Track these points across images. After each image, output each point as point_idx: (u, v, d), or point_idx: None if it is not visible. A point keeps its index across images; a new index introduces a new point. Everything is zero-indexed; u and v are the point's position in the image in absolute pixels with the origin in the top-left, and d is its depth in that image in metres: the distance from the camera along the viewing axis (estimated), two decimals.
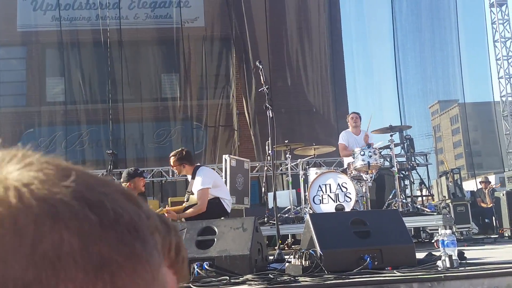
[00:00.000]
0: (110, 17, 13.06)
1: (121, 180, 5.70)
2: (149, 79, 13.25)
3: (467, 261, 4.32)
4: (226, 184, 7.91)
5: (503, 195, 8.47)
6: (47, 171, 0.38)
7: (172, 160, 5.88)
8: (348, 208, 6.79)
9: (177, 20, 13.28)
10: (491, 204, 10.35)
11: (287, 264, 4.12)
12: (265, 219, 7.58)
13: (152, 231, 0.40)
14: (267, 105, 5.11)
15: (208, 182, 5.53)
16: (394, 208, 7.03)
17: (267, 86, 5.24)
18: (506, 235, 8.17)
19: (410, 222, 6.79)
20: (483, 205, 11.46)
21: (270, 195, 6.28)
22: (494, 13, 14.50)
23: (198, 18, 13.59)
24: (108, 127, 12.66)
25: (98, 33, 12.99)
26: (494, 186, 12.50)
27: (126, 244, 0.37)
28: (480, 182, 12.67)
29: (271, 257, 4.78)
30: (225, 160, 7.99)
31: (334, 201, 6.93)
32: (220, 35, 13.39)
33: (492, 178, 15.30)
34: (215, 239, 4.05)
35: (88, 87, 13.02)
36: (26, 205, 0.36)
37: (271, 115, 5.10)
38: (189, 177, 5.83)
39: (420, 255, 4.70)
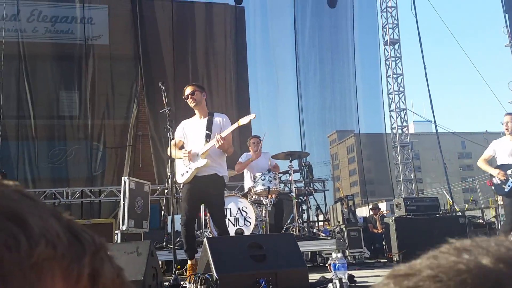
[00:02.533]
0: (6, 29, 12.32)
1: None
2: (47, 95, 12.58)
3: (357, 284, 4.51)
4: (125, 207, 7.67)
5: (392, 221, 8.96)
6: None
7: (194, 86, 5.48)
8: (247, 232, 6.85)
9: (80, 37, 12.82)
10: (382, 230, 10.92)
11: None
12: (164, 243, 7.42)
13: (39, 261, 0.32)
14: (168, 127, 5.07)
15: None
16: (291, 232, 7.20)
17: (169, 108, 5.20)
18: (395, 259, 8.61)
19: (306, 246, 6.99)
20: (374, 230, 12.07)
21: (170, 218, 6.17)
22: (387, 51, 15.62)
23: (102, 35, 13.22)
24: None
25: None
26: (384, 213, 13.25)
27: None
28: (370, 208, 13.39)
29: (166, 283, 4.67)
30: (125, 182, 7.76)
31: (234, 225, 6.97)
32: (125, 54, 13.11)
33: (383, 205, 16.22)
34: None
35: None
36: None
37: (172, 137, 5.06)
38: (198, 116, 5.49)
39: (314, 278, 4.84)
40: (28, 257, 0.33)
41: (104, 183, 11.96)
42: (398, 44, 15.68)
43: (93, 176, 12.21)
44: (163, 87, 5.29)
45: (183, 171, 5.35)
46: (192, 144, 5.39)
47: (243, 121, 5.31)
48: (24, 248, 0.33)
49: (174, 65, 12.88)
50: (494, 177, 6.48)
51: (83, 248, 0.36)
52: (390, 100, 15.49)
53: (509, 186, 6.34)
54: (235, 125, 5.34)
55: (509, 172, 6.37)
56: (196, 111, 5.52)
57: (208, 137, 5.28)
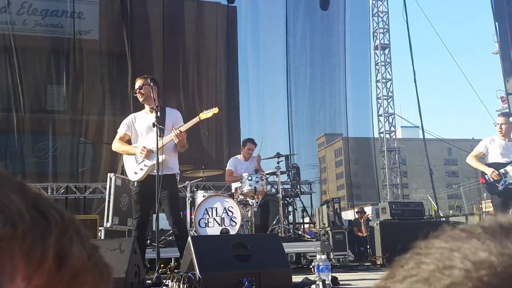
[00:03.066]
0: None
1: None
2: (34, 88, 12.46)
3: (340, 286, 4.52)
4: (109, 204, 7.61)
5: (376, 224, 9.00)
6: None
7: (143, 80, 5.19)
8: (233, 232, 6.83)
9: (70, 31, 12.72)
10: (366, 233, 10.96)
11: (164, 287, 4.02)
12: (148, 241, 7.37)
13: None
14: (155, 124, 5.02)
15: None
16: (277, 233, 7.20)
17: (157, 105, 5.15)
18: (379, 263, 8.65)
19: (291, 248, 6.99)
20: (359, 234, 12.12)
21: (154, 216, 6.13)
22: (378, 55, 15.69)
23: (92, 30, 13.13)
24: None
25: None
26: (369, 216, 13.31)
27: None
28: (356, 212, 13.45)
29: (149, 281, 4.64)
30: (110, 178, 7.71)
31: (219, 225, 6.94)
32: (115, 50, 13.02)
33: (368, 209, 16.30)
34: None
35: None
36: None
37: (158, 134, 5.01)
38: (148, 110, 5.22)
39: (297, 279, 4.84)
40: None
41: (90, 179, 11.86)
42: (388, 49, 15.75)
43: (78, 172, 12.11)
44: (152, 83, 5.24)
45: (136, 169, 5.12)
46: (145, 140, 5.18)
47: (204, 115, 5.16)
48: None
49: (164, 63, 12.82)
50: (486, 174, 6.44)
51: (49, 226, 0.33)
52: (378, 105, 15.56)
53: (502, 185, 6.33)
54: (196, 119, 5.18)
55: (502, 171, 6.38)
56: (145, 105, 5.32)
57: (161, 132, 5.02)
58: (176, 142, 5.06)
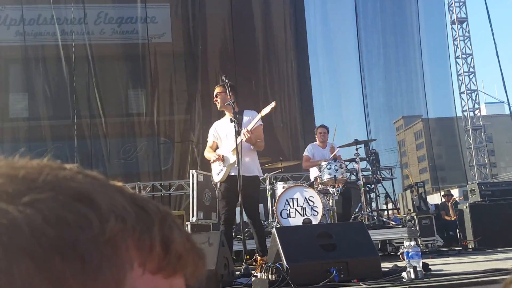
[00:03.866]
0: (75, 32, 12.89)
1: None
2: (115, 94, 13.08)
3: (432, 272, 4.37)
4: (194, 199, 7.85)
5: (466, 207, 8.63)
6: None
7: (219, 88, 5.42)
8: (315, 221, 6.80)
9: (144, 36, 13.21)
10: (455, 217, 10.53)
11: (253, 278, 4.08)
12: (233, 234, 7.53)
13: (112, 236, 0.34)
14: (233, 119, 5.10)
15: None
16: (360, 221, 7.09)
17: (233, 101, 5.23)
18: (470, 247, 8.31)
19: (376, 235, 6.86)
20: (447, 218, 11.67)
21: (238, 210, 6.25)
22: (455, 30, 14.95)
23: (165, 33, 13.54)
24: (73, 143, 12.41)
25: (63, 48, 12.79)
26: (457, 199, 12.77)
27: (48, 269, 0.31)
28: (443, 195, 12.93)
29: (237, 272, 4.73)
30: (192, 175, 7.93)
31: (301, 215, 6.95)
32: (187, 50, 13.36)
33: (455, 192, 15.63)
34: None
35: (52, 102, 12.77)
36: None
37: (236, 129, 5.09)
38: (228, 116, 5.44)
39: (386, 267, 4.73)
40: (101, 234, 0.34)
41: (173, 177, 12.29)
42: (466, 22, 14.96)
43: (162, 170, 12.58)
44: (227, 80, 5.32)
45: (218, 170, 5.44)
46: (225, 145, 5.46)
47: (265, 111, 5.26)
48: (96, 226, 0.34)
49: (235, 60, 12.96)
50: None
51: (151, 218, 0.37)
52: (460, 82, 14.83)
53: None
54: (258, 116, 5.32)
55: None
56: (224, 111, 5.53)
57: (238, 134, 5.28)
58: (244, 141, 5.19)
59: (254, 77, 13.31)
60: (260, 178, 5.67)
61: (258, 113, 5.41)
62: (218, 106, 5.45)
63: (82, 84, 12.76)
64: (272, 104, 5.25)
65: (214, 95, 5.46)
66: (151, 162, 12.71)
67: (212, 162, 5.51)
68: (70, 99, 12.51)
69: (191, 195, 7.89)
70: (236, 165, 5.09)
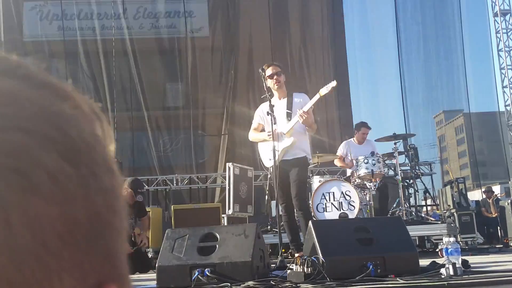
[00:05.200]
0: (115, 27, 13.14)
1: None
2: (154, 88, 13.29)
3: (471, 269, 4.28)
4: (230, 192, 7.91)
5: (508, 204, 8.42)
6: None
7: (277, 68, 5.29)
8: (351, 216, 6.75)
9: (182, 30, 13.35)
10: (496, 214, 10.27)
11: (289, 271, 4.09)
12: (269, 227, 7.57)
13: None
14: (269, 112, 5.10)
15: None
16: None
17: (269, 93, 5.22)
18: (511, 244, 8.10)
19: (414, 231, 6.74)
20: (487, 215, 11.38)
21: (274, 203, 6.28)
22: (498, 23, 14.49)
23: (203, 28, 13.66)
24: (113, 136, 12.66)
25: (103, 42, 13.07)
26: (498, 196, 12.42)
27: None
28: (483, 191, 12.60)
29: (273, 265, 4.76)
30: (229, 168, 7.99)
31: (337, 209, 6.91)
32: (224, 45, 13.43)
33: (497, 188, 15.22)
34: (217, 246, 4.03)
35: (93, 96, 13.06)
36: None
37: (274, 122, 5.08)
38: (277, 97, 5.35)
39: (424, 263, 4.66)
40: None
41: (209, 169, 12.41)
42: (509, 14, 14.48)
43: (198, 163, 12.72)
44: (264, 73, 5.31)
45: (270, 155, 5.15)
46: (277, 126, 5.20)
47: (324, 90, 5.08)
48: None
49: (272, 53, 12.94)
50: None
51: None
52: (503, 76, 14.38)
53: None
54: (317, 96, 5.14)
55: None
56: (275, 92, 5.37)
57: (289, 116, 5.16)
58: (301, 122, 5.07)
59: (291, 70, 13.26)
60: (309, 161, 5.51)
61: (306, 96, 5.34)
62: (277, 86, 5.26)
63: (122, 78, 13.00)
64: (333, 83, 5.05)
65: (275, 73, 5.23)
66: (188, 154, 12.86)
67: (261, 141, 5.32)
68: (111, 93, 12.76)
69: (227, 187, 7.96)
70: (290, 149, 5.05)
